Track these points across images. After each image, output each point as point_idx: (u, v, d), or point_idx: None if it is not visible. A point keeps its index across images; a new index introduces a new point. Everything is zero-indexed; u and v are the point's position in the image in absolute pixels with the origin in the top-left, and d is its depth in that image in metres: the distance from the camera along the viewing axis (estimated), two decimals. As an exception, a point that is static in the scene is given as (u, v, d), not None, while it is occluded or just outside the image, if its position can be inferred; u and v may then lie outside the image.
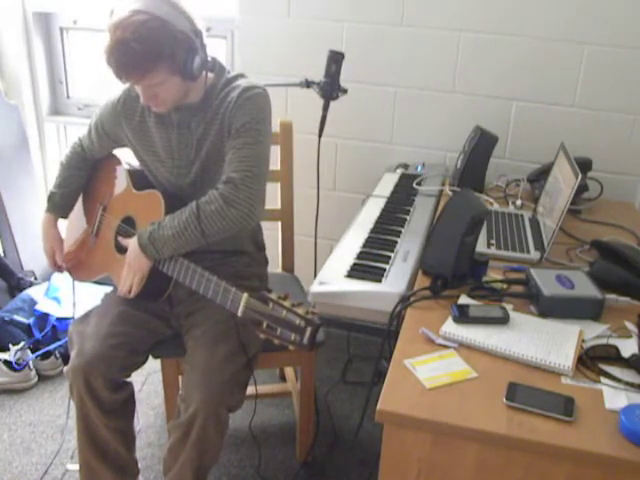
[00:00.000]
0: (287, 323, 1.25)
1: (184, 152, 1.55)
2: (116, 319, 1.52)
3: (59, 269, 1.76)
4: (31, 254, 2.67)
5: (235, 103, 1.48)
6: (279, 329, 1.26)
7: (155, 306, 1.60)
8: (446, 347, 1.14)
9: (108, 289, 1.69)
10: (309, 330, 1.24)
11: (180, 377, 1.59)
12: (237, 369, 1.45)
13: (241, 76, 1.56)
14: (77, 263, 1.76)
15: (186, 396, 1.41)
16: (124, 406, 1.55)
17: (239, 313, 1.33)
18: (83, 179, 1.75)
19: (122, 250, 1.55)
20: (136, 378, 1.88)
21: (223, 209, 1.41)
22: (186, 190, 1.58)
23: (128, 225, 1.61)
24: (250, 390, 1.54)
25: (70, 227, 1.81)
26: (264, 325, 1.28)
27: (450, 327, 1.18)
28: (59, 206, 1.73)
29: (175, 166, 1.57)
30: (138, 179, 1.64)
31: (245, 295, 1.33)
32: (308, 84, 1.85)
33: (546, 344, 1.13)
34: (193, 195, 1.55)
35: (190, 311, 1.59)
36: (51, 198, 1.72)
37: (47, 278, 2.64)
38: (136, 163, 1.68)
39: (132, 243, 1.48)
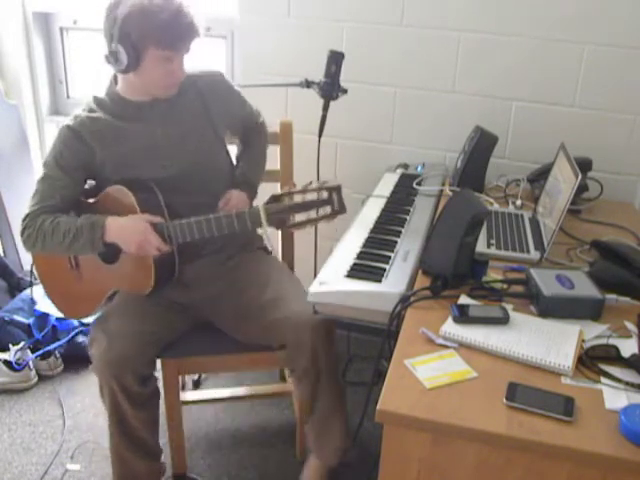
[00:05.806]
0: (312, 203, 1.28)
1: (172, 144, 1.58)
2: (140, 317, 1.57)
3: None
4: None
5: (211, 91, 1.64)
6: (308, 213, 1.28)
7: (172, 302, 1.64)
8: (446, 347, 1.14)
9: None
10: (334, 195, 1.30)
11: (180, 377, 1.59)
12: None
13: None
14: (73, 302, 1.68)
15: (289, 342, 1.50)
16: (152, 398, 1.60)
17: (264, 223, 1.36)
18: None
19: (110, 259, 1.55)
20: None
21: (267, 134, 1.85)
22: (178, 179, 1.57)
23: None
24: (251, 390, 1.53)
25: (47, 274, 1.70)
26: (291, 221, 1.30)
27: (450, 327, 1.18)
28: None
29: (163, 157, 1.57)
30: (90, 190, 1.62)
31: (261, 205, 1.37)
32: (308, 84, 1.86)
33: (546, 344, 1.13)
34: (188, 180, 1.58)
35: (213, 295, 1.65)
36: (95, 223, 1.48)
37: (47, 278, 2.63)
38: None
39: (235, 194, 1.62)
